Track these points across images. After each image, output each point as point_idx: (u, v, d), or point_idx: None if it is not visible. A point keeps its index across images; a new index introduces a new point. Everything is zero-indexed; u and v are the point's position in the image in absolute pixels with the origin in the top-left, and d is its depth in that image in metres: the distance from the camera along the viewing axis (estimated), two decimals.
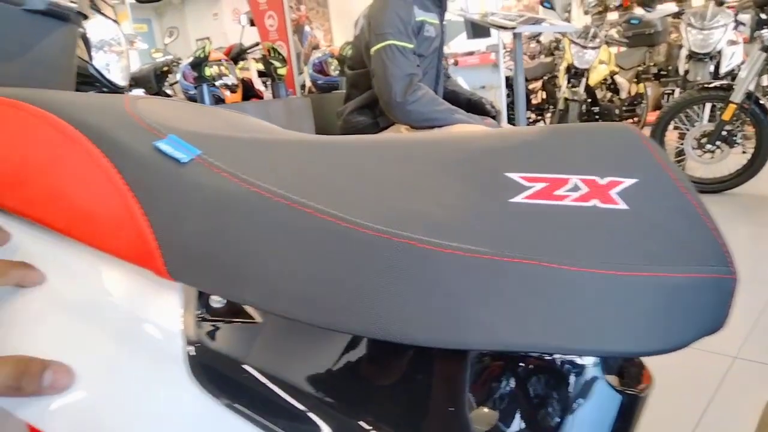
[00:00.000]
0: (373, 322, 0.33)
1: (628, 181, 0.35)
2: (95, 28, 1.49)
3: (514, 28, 2.67)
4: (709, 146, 3.31)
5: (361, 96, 2.03)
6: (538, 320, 0.32)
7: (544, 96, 5.85)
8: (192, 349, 0.37)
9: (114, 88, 1.45)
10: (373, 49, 1.84)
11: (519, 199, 0.35)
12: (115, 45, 1.52)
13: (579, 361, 0.39)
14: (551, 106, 6.12)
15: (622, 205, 0.34)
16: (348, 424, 0.37)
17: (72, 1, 0.77)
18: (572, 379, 0.39)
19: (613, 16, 6.27)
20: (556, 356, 0.39)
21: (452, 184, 0.37)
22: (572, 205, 0.34)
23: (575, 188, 0.35)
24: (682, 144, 3.67)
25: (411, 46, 1.84)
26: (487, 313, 0.32)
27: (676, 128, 3.58)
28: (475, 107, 2.20)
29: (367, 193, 0.37)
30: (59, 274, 0.40)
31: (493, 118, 2.12)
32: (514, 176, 0.36)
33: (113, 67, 1.48)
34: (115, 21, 1.57)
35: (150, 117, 0.44)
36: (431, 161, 0.39)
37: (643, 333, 0.32)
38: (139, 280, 0.38)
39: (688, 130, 3.42)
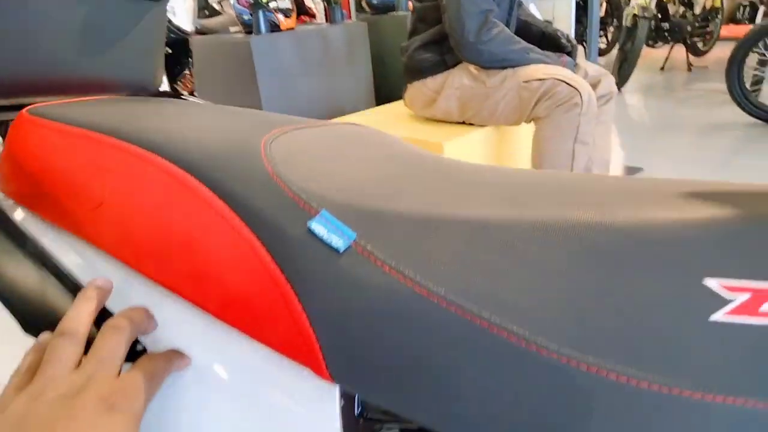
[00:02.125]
0: None
1: None
2: None
3: None
4: None
5: (428, 31, 1.91)
6: None
7: (607, 8, 5.45)
8: None
9: (180, 34, 1.40)
10: None
11: (720, 316, 0.31)
12: None
13: None
14: (614, 20, 5.72)
15: None
16: None
17: None
18: None
19: None
20: None
21: (642, 290, 0.33)
22: None
23: None
24: (761, 71, 3.41)
25: None
26: None
27: (756, 52, 3.31)
28: (549, 41, 2.05)
29: (546, 296, 0.34)
30: (210, 360, 0.39)
31: (569, 53, 1.98)
32: (714, 283, 0.32)
33: (179, 10, 1.42)
34: None
35: (293, 175, 0.40)
36: (618, 256, 0.35)
37: None
38: (296, 375, 0.37)
39: None
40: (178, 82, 2.37)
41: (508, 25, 1.96)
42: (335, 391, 0.36)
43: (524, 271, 0.35)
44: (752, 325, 0.31)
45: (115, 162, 0.44)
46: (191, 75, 1.82)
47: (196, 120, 0.51)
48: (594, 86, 1.99)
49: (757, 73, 3.41)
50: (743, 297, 0.31)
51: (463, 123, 1.99)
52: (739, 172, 2.60)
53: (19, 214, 0.51)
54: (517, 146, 2.13)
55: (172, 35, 1.40)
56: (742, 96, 3.21)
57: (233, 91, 2.68)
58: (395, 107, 2.39)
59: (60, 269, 0.45)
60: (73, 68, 0.67)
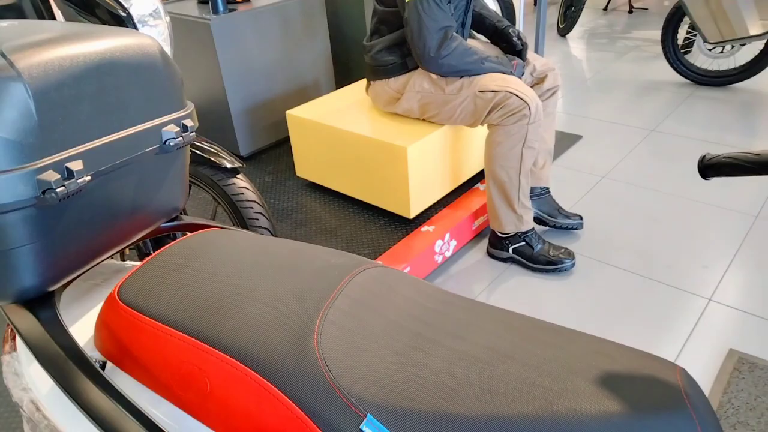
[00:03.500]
0: None
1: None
2: (137, 4, 1.47)
3: None
4: None
5: (390, 35, 2.02)
6: None
7: None
8: None
9: None
10: None
11: None
12: (157, 17, 1.51)
13: None
14: None
15: None
16: None
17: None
18: None
19: None
20: None
21: None
22: None
23: None
24: (693, 34, 3.64)
25: None
26: None
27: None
28: (501, 36, 2.20)
29: None
30: None
31: (519, 53, 2.14)
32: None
33: (159, 40, 1.49)
34: None
35: (343, 379, 0.60)
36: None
37: None
38: None
39: None
40: None
41: (464, 22, 2.09)
42: None
43: None
44: None
45: (211, 365, 0.63)
46: None
47: (254, 305, 0.69)
48: (541, 81, 2.18)
49: (689, 36, 3.64)
50: None
51: (424, 120, 2.16)
52: (666, 139, 2.89)
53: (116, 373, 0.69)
54: (472, 144, 2.32)
55: None
56: (675, 59, 3.45)
57: (197, 67, 2.71)
58: (356, 92, 2.50)
59: None
60: (130, 217, 0.82)
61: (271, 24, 2.70)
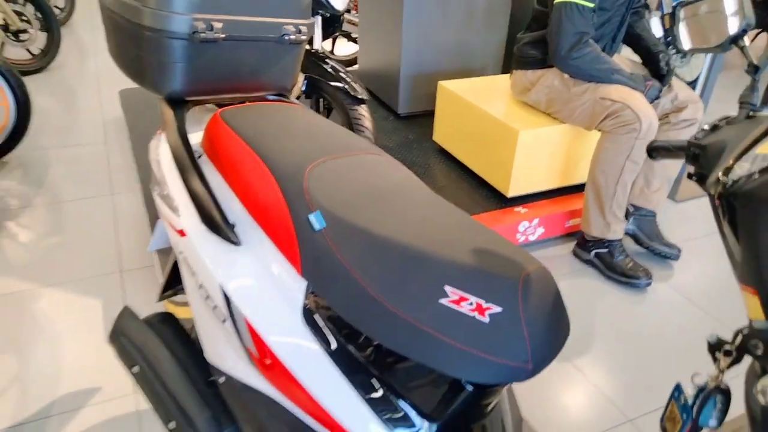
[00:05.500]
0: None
1: (497, 308, 0.79)
2: None
3: None
4: None
5: (537, 32, 2.24)
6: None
7: None
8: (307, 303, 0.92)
9: (334, 12, 1.91)
10: (556, 0, 2.02)
11: (446, 302, 0.82)
12: None
13: None
14: None
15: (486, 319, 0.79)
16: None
17: None
18: None
19: None
20: None
21: (419, 280, 0.84)
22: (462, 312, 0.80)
23: (471, 303, 0.80)
24: None
25: (591, 5, 1.99)
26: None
27: None
28: (651, 59, 2.29)
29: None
30: (248, 240, 0.95)
31: (662, 78, 2.22)
32: (448, 288, 0.82)
33: None
34: None
35: (315, 191, 0.93)
36: (411, 265, 0.86)
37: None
38: (287, 266, 0.92)
39: None
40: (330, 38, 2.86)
41: (615, 36, 2.22)
42: (304, 284, 0.92)
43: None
44: (459, 312, 0.81)
45: (256, 174, 1.00)
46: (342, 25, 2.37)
47: (289, 137, 1.04)
48: (680, 110, 2.23)
49: None
50: (458, 295, 0.82)
51: (548, 114, 2.35)
52: None
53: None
54: (584, 146, 2.45)
55: (326, 14, 1.92)
56: None
57: (383, 30, 3.16)
58: (506, 80, 2.75)
59: None
60: (247, 78, 1.23)
61: (458, 6, 3.05)
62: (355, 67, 3.93)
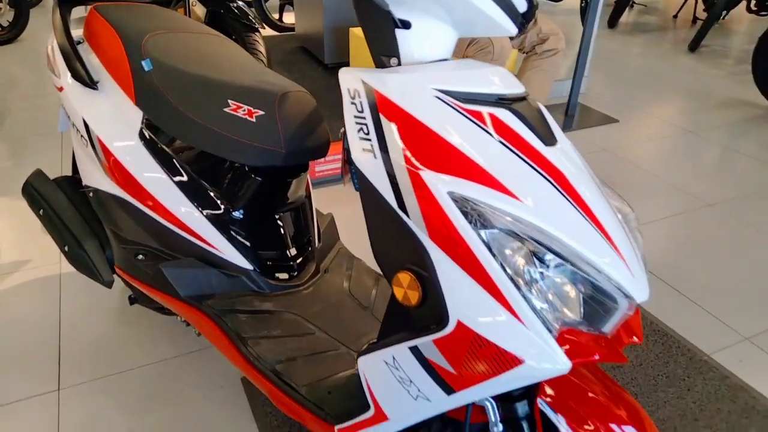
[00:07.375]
0: None
1: (261, 112, 1.16)
2: None
3: None
4: None
5: None
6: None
7: None
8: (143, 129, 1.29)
9: None
10: None
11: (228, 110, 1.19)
12: None
13: None
14: None
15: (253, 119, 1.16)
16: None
17: None
18: None
19: None
20: None
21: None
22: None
23: (244, 110, 1.17)
24: None
25: None
26: None
27: None
28: None
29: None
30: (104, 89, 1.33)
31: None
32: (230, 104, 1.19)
33: None
34: None
35: (149, 46, 1.30)
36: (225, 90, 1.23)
37: None
38: (127, 99, 1.29)
39: None
40: None
41: None
42: (141, 113, 1.29)
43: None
44: (236, 116, 1.19)
45: (110, 41, 1.36)
46: None
47: (145, 21, 1.41)
48: (543, 41, 2.60)
49: None
50: (236, 105, 1.19)
51: None
52: (706, 145, 3.04)
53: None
54: None
55: None
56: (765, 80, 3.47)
57: None
58: None
59: None
60: None
61: None
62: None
